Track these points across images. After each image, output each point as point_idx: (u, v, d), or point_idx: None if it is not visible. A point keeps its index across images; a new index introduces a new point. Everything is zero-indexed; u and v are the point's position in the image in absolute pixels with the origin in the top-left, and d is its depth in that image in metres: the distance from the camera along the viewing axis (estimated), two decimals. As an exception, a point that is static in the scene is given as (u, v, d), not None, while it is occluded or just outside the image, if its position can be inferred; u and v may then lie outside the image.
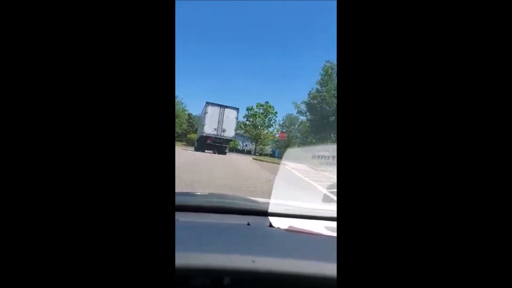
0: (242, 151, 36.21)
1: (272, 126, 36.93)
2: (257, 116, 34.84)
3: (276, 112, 35.63)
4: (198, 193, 1.24)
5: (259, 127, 35.28)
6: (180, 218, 0.79)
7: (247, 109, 35.32)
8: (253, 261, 0.53)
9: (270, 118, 35.69)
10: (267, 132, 36.28)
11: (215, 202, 1.06)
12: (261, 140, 35.98)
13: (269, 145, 39.22)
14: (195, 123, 40.59)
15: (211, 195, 1.22)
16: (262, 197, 1.25)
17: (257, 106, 35.33)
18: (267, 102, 35.51)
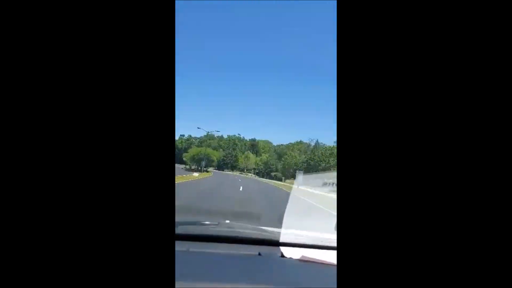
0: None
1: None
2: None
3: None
4: (208, 222, 1.22)
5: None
6: (191, 248, 0.78)
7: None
8: None
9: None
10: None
11: (225, 232, 1.05)
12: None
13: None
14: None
15: (221, 224, 1.20)
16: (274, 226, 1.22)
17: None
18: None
